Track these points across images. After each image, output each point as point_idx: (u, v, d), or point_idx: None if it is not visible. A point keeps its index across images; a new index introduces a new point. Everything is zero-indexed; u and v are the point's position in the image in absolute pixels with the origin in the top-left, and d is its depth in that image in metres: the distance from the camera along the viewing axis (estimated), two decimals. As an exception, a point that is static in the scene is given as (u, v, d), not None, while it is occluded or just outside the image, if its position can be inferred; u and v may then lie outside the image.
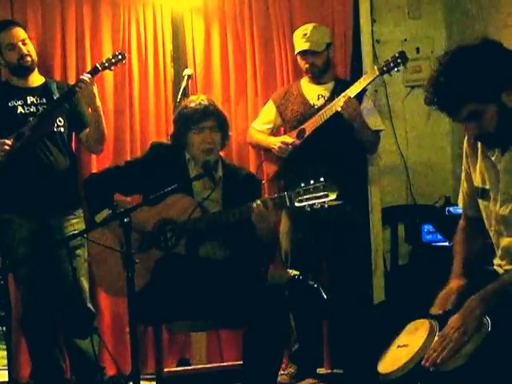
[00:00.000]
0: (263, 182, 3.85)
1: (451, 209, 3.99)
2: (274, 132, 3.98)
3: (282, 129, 4.01)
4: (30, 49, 3.63)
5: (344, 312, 3.77)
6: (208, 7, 4.15)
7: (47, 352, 3.65)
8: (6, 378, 3.63)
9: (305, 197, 2.85)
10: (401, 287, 4.07)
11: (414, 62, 4.28)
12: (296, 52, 3.82)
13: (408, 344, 2.31)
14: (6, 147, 3.45)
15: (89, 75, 3.56)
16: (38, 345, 3.63)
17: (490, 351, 2.11)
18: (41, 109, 3.60)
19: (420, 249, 4.11)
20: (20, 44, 3.59)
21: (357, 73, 4.13)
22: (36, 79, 3.71)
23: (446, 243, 3.87)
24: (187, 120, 3.17)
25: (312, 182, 2.85)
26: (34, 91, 3.65)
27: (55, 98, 3.62)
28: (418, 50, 4.40)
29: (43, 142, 3.56)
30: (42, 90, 3.67)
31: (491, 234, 2.39)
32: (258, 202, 2.92)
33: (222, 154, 3.38)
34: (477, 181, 2.41)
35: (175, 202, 3.03)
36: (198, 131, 3.14)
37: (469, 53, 2.20)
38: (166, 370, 3.78)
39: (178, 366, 4.06)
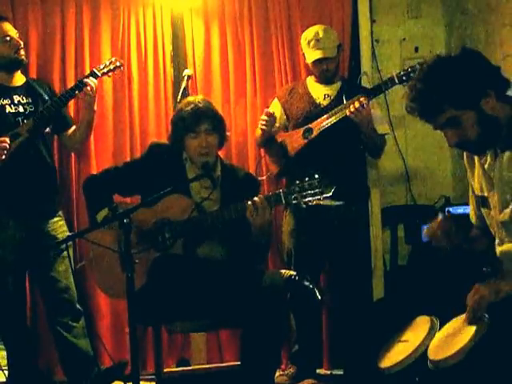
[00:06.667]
0: (263, 178, 3.87)
1: (451, 209, 3.98)
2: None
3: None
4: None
5: (344, 312, 3.79)
6: (208, 8, 4.16)
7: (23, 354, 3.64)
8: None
9: (300, 194, 2.87)
10: (400, 287, 4.07)
11: (413, 61, 4.26)
12: (310, 61, 3.78)
13: (408, 340, 2.39)
14: (6, 145, 3.37)
15: (94, 79, 3.54)
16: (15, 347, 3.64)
17: (489, 348, 2.15)
18: (28, 108, 3.55)
19: (420, 249, 4.09)
20: (16, 37, 3.54)
21: (355, 72, 4.14)
22: (19, 78, 3.64)
23: (446, 243, 3.86)
24: (183, 123, 3.16)
25: (307, 179, 2.87)
26: (18, 90, 3.59)
27: (46, 97, 3.58)
28: (416, 49, 4.40)
29: (36, 144, 3.52)
30: (26, 90, 3.61)
31: (496, 241, 2.41)
32: (254, 199, 2.92)
33: (221, 154, 3.39)
34: (476, 189, 2.43)
35: (173, 202, 3.02)
36: (193, 135, 3.14)
37: (448, 61, 2.24)
38: (165, 370, 3.78)
39: (177, 366, 4.06)
